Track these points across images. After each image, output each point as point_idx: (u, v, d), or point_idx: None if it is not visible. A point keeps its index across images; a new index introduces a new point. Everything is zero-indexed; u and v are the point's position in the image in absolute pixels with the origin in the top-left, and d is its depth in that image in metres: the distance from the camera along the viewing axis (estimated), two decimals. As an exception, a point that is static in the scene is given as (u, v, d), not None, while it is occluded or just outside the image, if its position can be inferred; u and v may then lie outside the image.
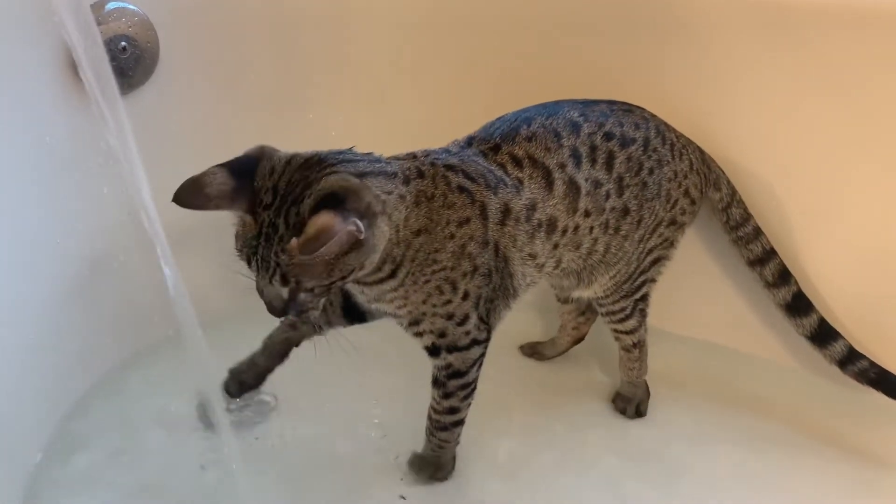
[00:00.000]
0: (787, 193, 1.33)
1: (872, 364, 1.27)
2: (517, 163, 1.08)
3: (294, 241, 0.91)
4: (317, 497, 1.22)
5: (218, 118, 1.40)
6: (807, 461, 1.28)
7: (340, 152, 1.00)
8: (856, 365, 1.28)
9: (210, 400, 1.26)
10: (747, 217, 1.31)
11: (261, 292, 1.01)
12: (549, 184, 1.09)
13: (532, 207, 1.08)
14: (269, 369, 1.24)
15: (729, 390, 1.39)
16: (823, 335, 1.29)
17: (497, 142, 1.09)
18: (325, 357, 1.37)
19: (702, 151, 1.28)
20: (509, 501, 1.22)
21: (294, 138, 1.42)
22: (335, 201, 0.91)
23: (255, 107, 1.43)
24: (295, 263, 0.93)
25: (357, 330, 1.20)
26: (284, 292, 0.98)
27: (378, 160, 1.02)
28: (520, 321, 1.23)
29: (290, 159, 0.97)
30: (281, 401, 1.36)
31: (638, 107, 1.22)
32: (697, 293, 1.44)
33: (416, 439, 1.23)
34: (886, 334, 1.31)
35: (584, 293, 1.27)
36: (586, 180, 1.11)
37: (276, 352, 1.23)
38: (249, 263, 0.98)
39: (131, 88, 1.28)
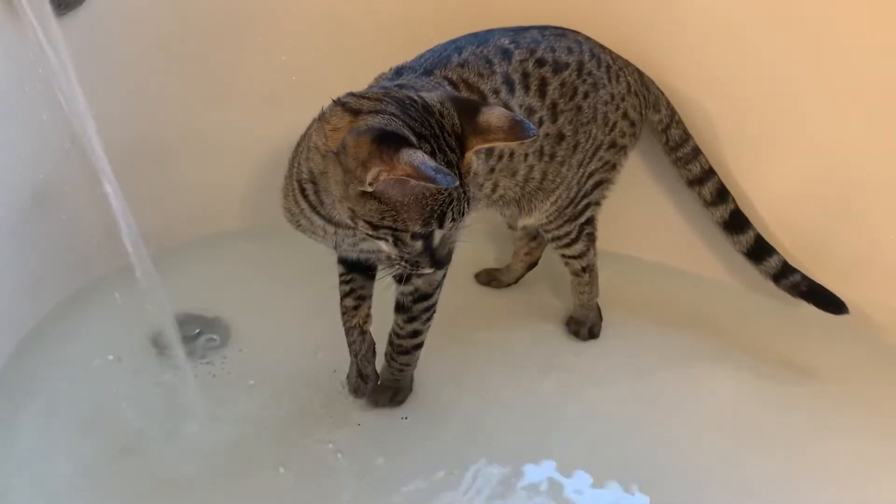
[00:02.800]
0: (730, 121, 1.35)
1: (804, 278, 1.33)
2: (453, 86, 1.07)
3: (467, 156, 0.93)
4: (274, 419, 1.25)
5: (159, 38, 1.37)
6: (746, 375, 1.34)
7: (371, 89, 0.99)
8: (788, 279, 1.33)
9: (163, 329, 1.27)
10: (686, 138, 1.32)
11: (441, 249, 0.97)
12: (481, 95, 1.08)
13: None
14: (370, 361, 1.23)
15: (676, 310, 1.43)
16: (759, 251, 1.34)
17: (428, 68, 1.07)
18: (276, 286, 1.43)
19: (640, 73, 1.28)
20: (461, 412, 1.27)
21: (238, 57, 1.42)
22: (467, 102, 0.96)
23: (199, 30, 1.39)
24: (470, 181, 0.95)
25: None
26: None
27: None
28: (474, 250, 1.25)
29: (390, 111, 0.93)
30: (233, 329, 1.37)
31: (571, 31, 1.21)
32: (646, 215, 1.46)
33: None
34: (825, 255, 1.36)
35: (528, 221, 1.28)
36: (520, 107, 1.11)
37: (368, 342, 1.22)
38: (431, 232, 0.94)
39: (67, 9, 1.23)
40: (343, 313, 1.19)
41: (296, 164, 1.03)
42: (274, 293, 1.43)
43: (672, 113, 1.31)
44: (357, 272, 1.17)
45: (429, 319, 1.18)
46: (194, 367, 1.30)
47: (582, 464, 1.21)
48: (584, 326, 1.39)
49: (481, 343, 1.37)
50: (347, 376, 1.25)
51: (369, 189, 0.89)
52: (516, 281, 1.47)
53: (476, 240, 1.29)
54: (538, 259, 1.45)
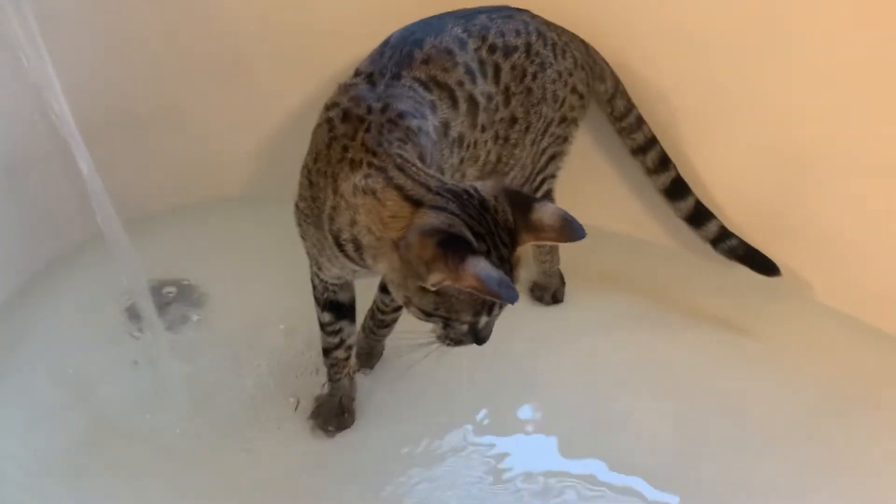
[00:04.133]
0: (682, 99, 1.38)
1: (741, 242, 1.38)
2: (424, 86, 1.08)
3: (517, 253, 0.95)
4: (245, 383, 1.29)
5: (128, 10, 1.37)
6: (695, 336, 1.39)
7: (416, 165, 0.97)
8: (726, 243, 1.38)
9: (136, 296, 1.29)
10: (630, 108, 1.35)
11: (486, 329, 1.00)
12: (454, 102, 1.09)
13: (447, 125, 1.10)
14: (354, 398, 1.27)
15: (632, 275, 1.48)
16: (698, 216, 1.39)
17: (396, 71, 1.07)
18: (250, 255, 1.45)
19: (585, 45, 1.30)
20: (431, 380, 1.29)
21: (206, 27, 1.41)
22: (521, 197, 0.96)
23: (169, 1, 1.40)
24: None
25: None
26: None
27: None
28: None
29: (449, 210, 0.93)
30: (206, 296, 1.40)
31: (518, 9, 1.23)
32: (604, 186, 1.49)
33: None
34: (774, 228, 1.41)
35: None
36: (482, 94, 1.13)
37: (354, 384, 1.27)
38: (479, 314, 0.97)
39: None
40: (333, 365, 1.21)
41: (327, 217, 1.00)
42: (247, 262, 1.45)
43: (616, 83, 1.34)
44: (345, 320, 1.18)
45: None
46: (167, 333, 1.33)
47: (547, 425, 1.27)
48: (547, 292, 1.44)
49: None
50: (317, 413, 1.25)
51: (431, 289, 0.91)
52: None
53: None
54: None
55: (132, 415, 1.24)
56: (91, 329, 1.35)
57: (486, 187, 0.95)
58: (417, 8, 1.18)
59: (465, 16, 1.17)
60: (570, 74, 1.24)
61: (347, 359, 1.22)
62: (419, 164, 0.96)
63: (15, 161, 1.30)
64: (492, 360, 1.33)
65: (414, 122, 1.00)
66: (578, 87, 1.26)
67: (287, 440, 1.24)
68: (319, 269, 1.11)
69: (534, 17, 1.23)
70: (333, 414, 1.25)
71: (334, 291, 1.15)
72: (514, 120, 1.18)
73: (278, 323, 1.36)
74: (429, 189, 0.93)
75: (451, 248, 0.88)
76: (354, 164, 0.96)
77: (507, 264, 0.93)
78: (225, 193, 1.54)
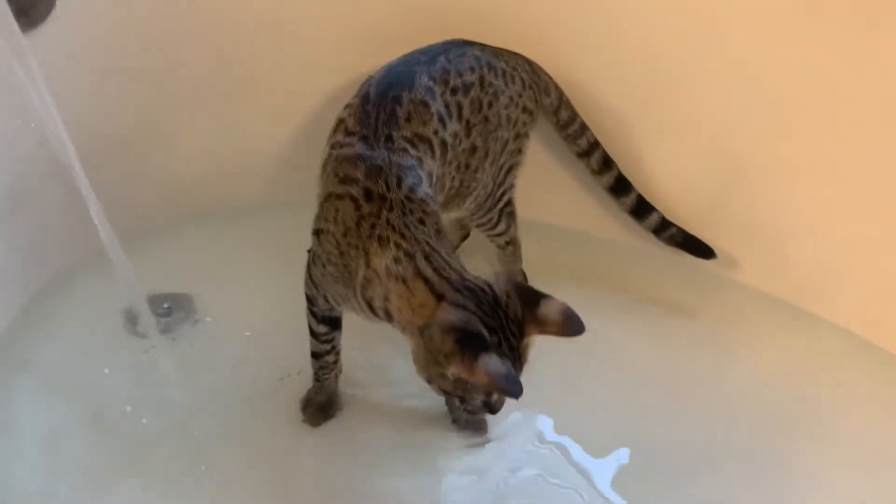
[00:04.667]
0: (628, 106, 1.49)
1: (679, 230, 1.49)
2: (412, 144, 1.16)
3: (524, 342, 1.05)
4: (239, 393, 1.36)
5: (119, 46, 1.45)
6: (640, 322, 1.51)
7: (440, 254, 1.08)
8: (667, 231, 1.49)
9: (137, 309, 1.37)
10: (574, 117, 1.44)
11: (498, 403, 1.11)
12: (432, 151, 1.19)
13: (430, 174, 1.18)
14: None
15: (588, 268, 1.58)
16: (641, 209, 1.49)
17: (387, 132, 1.15)
18: (243, 266, 1.54)
19: (529, 62, 1.40)
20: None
21: (193, 57, 1.49)
22: (531, 293, 1.07)
23: (155, 33, 1.48)
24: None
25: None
26: None
27: None
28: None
29: (467, 307, 1.03)
30: (202, 305, 1.48)
31: (468, 43, 1.32)
32: (555, 187, 1.59)
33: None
34: (718, 225, 1.53)
35: (452, 216, 1.41)
36: (451, 135, 1.23)
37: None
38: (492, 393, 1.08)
39: (33, 26, 1.30)
40: (322, 367, 1.30)
41: (360, 285, 1.10)
42: (240, 273, 1.53)
43: (560, 95, 1.43)
44: (337, 330, 1.28)
45: None
46: (166, 343, 1.39)
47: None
48: None
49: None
50: (306, 407, 1.33)
51: (449, 376, 1.03)
52: (454, 251, 1.62)
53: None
54: (469, 231, 1.58)
55: (136, 421, 1.30)
56: (93, 341, 1.40)
57: (499, 283, 1.05)
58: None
59: (427, 61, 1.26)
60: (520, 96, 1.34)
61: (335, 362, 1.31)
62: (443, 254, 1.07)
63: (20, 188, 1.37)
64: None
65: (422, 192, 1.11)
66: (528, 105, 1.36)
67: (284, 441, 1.31)
68: (331, 305, 1.21)
69: (483, 48, 1.33)
70: (321, 408, 1.34)
71: (333, 310, 1.24)
72: (474, 149, 1.28)
73: (273, 328, 1.43)
74: (451, 284, 1.04)
75: (468, 345, 0.99)
76: (383, 241, 1.07)
77: (516, 353, 1.04)
78: (215, 206, 1.61)
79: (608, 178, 1.49)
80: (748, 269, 1.54)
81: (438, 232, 1.11)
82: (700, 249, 1.49)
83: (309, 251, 1.22)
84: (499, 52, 1.35)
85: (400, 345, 1.12)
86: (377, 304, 1.09)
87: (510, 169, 1.39)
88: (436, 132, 1.20)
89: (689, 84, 1.45)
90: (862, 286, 1.48)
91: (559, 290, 1.56)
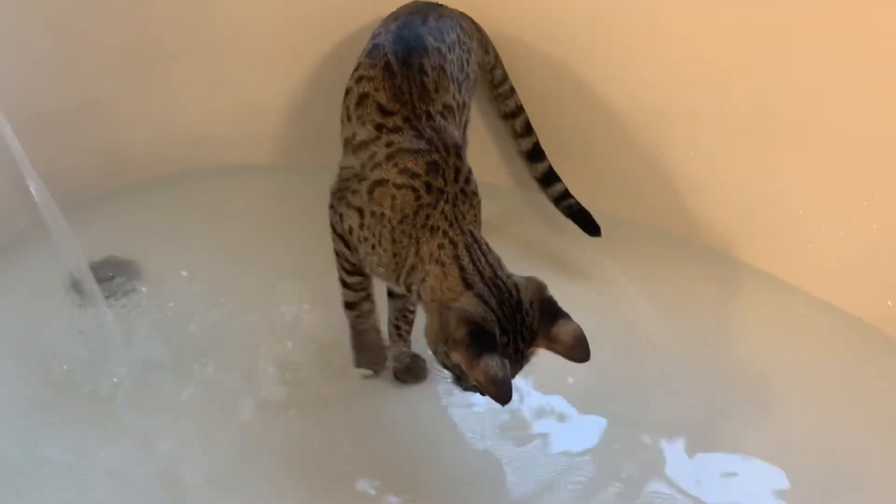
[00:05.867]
0: (550, 73, 1.54)
1: (576, 202, 1.53)
2: (444, 116, 1.21)
3: (531, 349, 1.09)
4: (186, 349, 1.40)
5: (50, 19, 1.45)
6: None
7: (480, 249, 1.11)
8: (565, 202, 1.53)
9: (80, 276, 1.39)
10: (506, 77, 1.50)
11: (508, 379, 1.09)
12: (454, 116, 1.24)
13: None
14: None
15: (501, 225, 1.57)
16: (549, 178, 1.54)
17: (425, 108, 1.19)
18: (188, 232, 1.57)
19: (473, 21, 1.44)
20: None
21: (120, 25, 1.50)
22: (553, 307, 1.09)
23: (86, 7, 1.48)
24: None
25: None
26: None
27: None
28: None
29: (489, 305, 1.07)
30: (147, 272, 1.51)
31: (437, 4, 1.37)
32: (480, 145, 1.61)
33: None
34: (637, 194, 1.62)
35: None
36: (456, 97, 1.26)
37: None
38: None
39: None
40: (359, 316, 1.32)
41: (405, 272, 1.15)
42: (183, 238, 1.56)
43: (496, 55, 1.48)
44: (369, 278, 1.30)
45: None
46: (112, 308, 1.41)
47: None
48: None
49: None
50: (358, 355, 1.35)
51: (451, 357, 1.07)
52: None
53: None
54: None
55: (79, 383, 1.32)
56: (38, 304, 1.42)
57: (527, 290, 1.08)
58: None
59: (422, 22, 1.29)
60: (475, 52, 1.39)
61: (371, 311, 1.33)
62: (483, 247, 1.12)
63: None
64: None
65: (472, 181, 1.16)
66: (479, 59, 1.42)
67: (218, 403, 1.33)
68: (364, 272, 1.26)
69: (451, 11, 1.39)
70: (373, 354, 1.36)
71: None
72: (463, 105, 1.31)
73: (217, 294, 1.47)
74: (482, 277, 1.08)
75: (477, 341, 1.03)
76: (434, 230, 1.12)
77: (521, 355, 1.08)
78: (156, 174, 1.64)
79: (526, 143, 1.54)
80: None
81: (476, 217, 1.16)
82: (590, 225, 1.53)
83: (335, 210, 1.24)
84: (459, 13, 1.41)
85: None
86: (415, 287, 1.14)
87: (466, 125, 1.42)
88: (454, 97, 1.25)
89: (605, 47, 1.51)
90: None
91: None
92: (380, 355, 1.37)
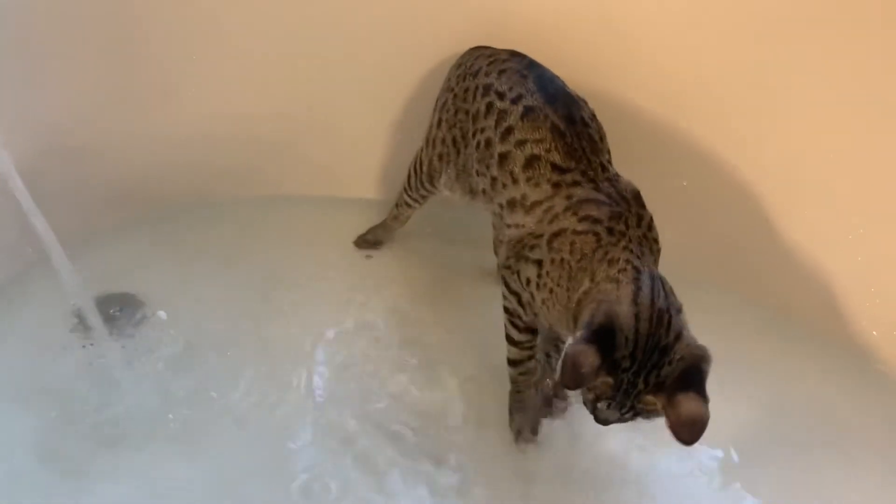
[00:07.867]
0: None
1: None
2: (610, 161, 1.24)
3: (650, 397, 1.04)
4: (192, 390, 1.38)
5: (51, 54, 1.45)
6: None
7: (663, 288, 1.08)
8: None
9: (85, 311, 1.39)
10: None
11: (601, 414, 1.09)
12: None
13: None
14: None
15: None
16: None
17: (598, 160, 1.21)
18: (190, 265, 1.57)
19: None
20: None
21: (127, 60, 1.51)
22: (696, 379, 1.03)
23: (88, 41, 1.48)
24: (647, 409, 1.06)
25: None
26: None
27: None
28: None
29: (638, 326, 1.04)
30: (151, 305, 1.50)
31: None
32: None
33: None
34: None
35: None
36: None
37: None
38: (598, 401, 1.07)
39: None
40: (522, 373, 1.31)
41: (575, 301, 1.11)
42: (186, 269, 1.56)
43: None
44: (536, 336, 1.29)
45: None
46: (115, 339, 1.41)
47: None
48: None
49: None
50: (519, 427, 1.33)
51: (566, 333, 1.09)
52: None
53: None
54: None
55: (85, 419, 1.32)
56: (42, 343, 1.41)
57: (685, 348, 1.04)
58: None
59: (550, 73, 1.30)
60: None
61: (535, 368, 1.32)
62: (667, 286, 1.09)
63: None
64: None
65: (656, 230, 1.17)
66: None
67: (225, 438, 1.32)
68: (533, 329, 1.27)
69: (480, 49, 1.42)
70: (533, 416, 1.34)
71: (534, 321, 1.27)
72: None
73: (221, 323, 1.47)
74: (651, 304, 1.05)
75: (600, 334, 1.02)
76: (612, 261, 1.11)
77: (634, 391, 1.04)
78: (160, 208, 1.64)
79: None
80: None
81: (655, 263, 1.15)
82: None
83: (511, 270, 1.24)
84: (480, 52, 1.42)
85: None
86: (574, 310, 1.12)
87: None
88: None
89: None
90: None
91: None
92: (537, 419, 1.35)
